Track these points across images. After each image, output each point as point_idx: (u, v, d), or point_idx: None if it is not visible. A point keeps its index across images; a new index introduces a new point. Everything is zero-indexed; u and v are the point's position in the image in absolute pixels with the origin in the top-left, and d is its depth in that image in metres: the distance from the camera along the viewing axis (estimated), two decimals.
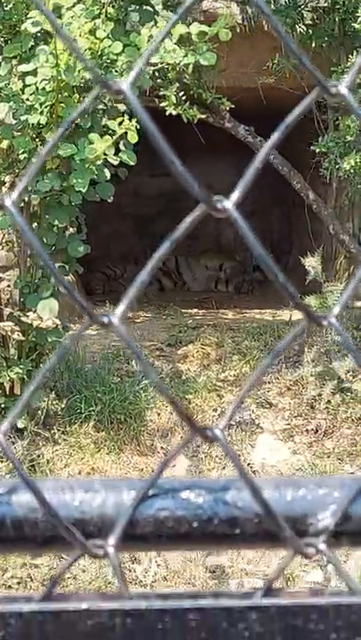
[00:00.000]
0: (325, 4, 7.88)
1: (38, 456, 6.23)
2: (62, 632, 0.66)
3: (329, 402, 6.75)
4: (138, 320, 8.93)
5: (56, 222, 6.12)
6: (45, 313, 6.04)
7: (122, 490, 0.69)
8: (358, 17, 6.70)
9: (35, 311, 6.08)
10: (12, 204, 0.67)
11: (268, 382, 7.12)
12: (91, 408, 6.50)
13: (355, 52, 7.21)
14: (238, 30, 7.25)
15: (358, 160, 7.03)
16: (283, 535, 0.67)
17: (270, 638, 0.65)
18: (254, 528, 0.69)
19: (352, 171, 7.07)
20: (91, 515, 0.69)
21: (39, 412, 6.36)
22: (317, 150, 7.37)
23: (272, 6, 7.55)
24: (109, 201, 6.24)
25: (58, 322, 6.15)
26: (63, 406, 6.52)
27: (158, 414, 6.70)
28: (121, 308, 0.62)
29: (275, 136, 0.69)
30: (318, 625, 0.66)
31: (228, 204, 0.64)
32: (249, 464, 6.43)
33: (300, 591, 0.69)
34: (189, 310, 9.40)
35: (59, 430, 6.43)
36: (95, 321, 0.62)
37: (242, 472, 0.64)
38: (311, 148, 7.43)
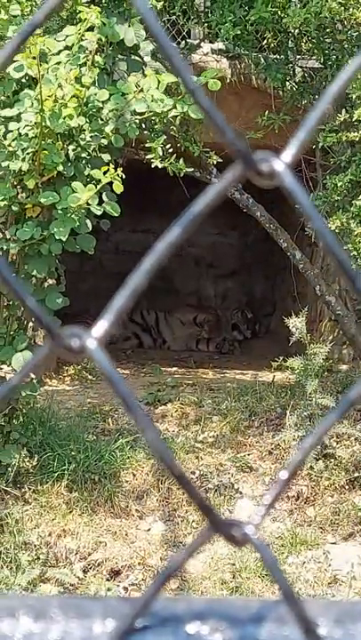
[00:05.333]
0: (316, 65, 7.82)
1: (7, 515, 5.95)
2: None
3: (312, 468, 6.52)
4: None
5: (35, 272, 5.91)
6: (20, 366, 5.79)
7: (93, 617, 0.39)
8: None
9: (9, 364, 5.86)
10: None
11: (249, 446, 6.89)
12: (64, 467, 6.24)
13: (343, 111, 7.09)
14: (228, 84, 7.12)
15: (344, 220, 6.86)
16: None
17: None
18: None
19: (338, 231, 6.91)
20: None
21: (9, 469, 6.09)
22: None
23: (262, 60, 7.44)
24: (90, 254, 6.05)
25: (32, 375, 5.93)
26: (35, 464, 6.25)
27: (134, 475, 6.45)
28: (101, 326, 0.39)
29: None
30: None
31: (280, 164, 0.41)
32: None
33: None
34: (169, 368, 9.21)
35: (30, 489, 6.15)
36: (60, 344, 0.39)
37: (287, 591, 0.37)
38: (297, 206, 7.26)
